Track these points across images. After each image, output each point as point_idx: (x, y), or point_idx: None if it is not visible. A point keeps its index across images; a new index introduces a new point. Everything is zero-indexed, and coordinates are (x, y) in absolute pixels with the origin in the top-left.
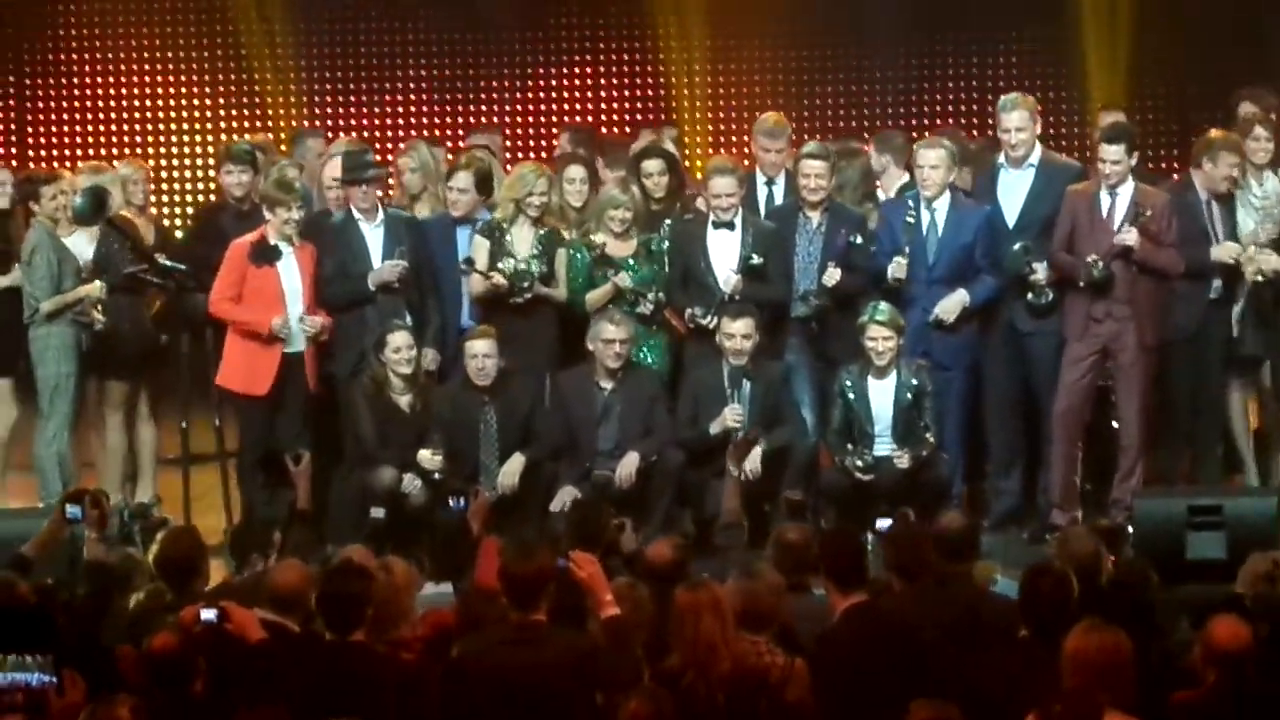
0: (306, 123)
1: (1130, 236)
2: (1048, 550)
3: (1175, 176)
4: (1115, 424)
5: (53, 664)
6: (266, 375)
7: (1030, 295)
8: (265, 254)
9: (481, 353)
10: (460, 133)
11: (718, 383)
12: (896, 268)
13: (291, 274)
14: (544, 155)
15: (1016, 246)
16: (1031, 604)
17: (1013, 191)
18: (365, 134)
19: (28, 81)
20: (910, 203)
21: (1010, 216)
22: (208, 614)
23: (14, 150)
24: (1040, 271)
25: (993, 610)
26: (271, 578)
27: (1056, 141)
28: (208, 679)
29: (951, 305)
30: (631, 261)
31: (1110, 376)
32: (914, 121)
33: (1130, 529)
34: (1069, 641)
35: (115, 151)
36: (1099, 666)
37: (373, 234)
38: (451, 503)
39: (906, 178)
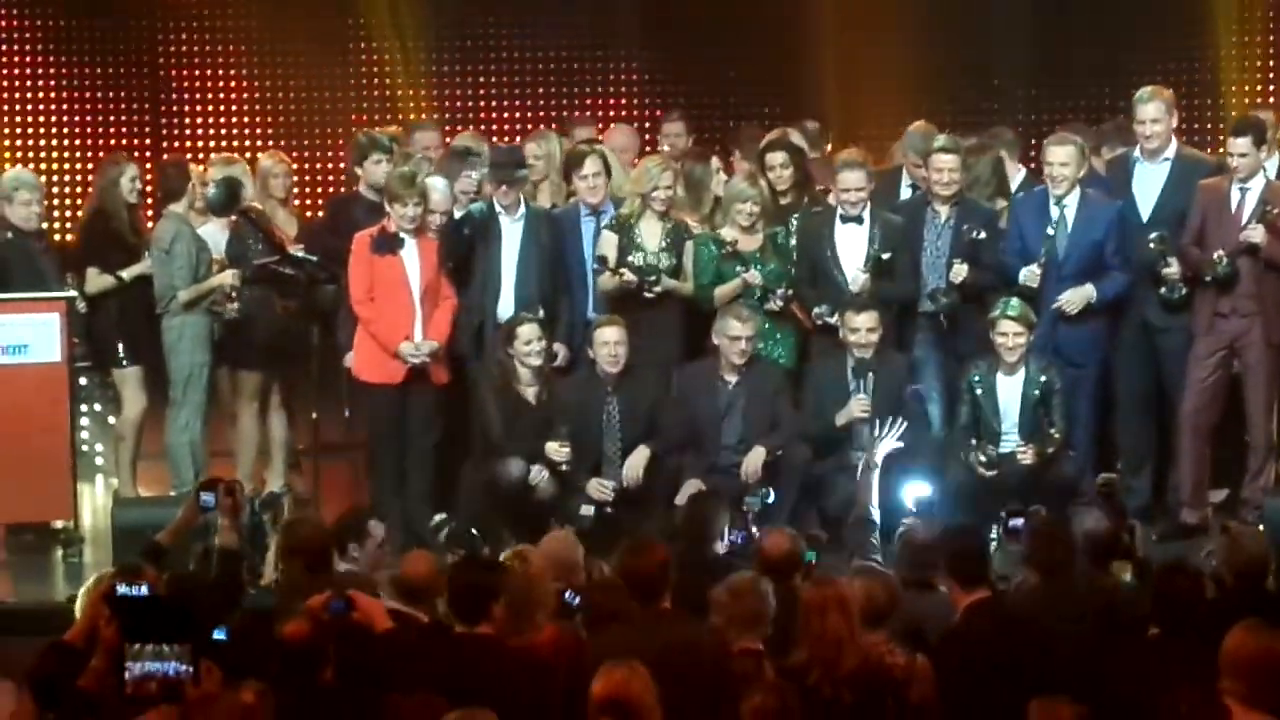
0: (435, 115)
1: (1256, 234)
2: (1213, 549)
3: None
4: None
5: (190, 654)
6: (400, 364)
7: (1163, 290)
8: (388, 244)
9: (613, 340)
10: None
11: (841, 376)
12: (1030, 275)
13: (414, 263)
14: (667, 148)
15: (1152, 236)
16: (1163, 603)
17: (1147, 185)
18: (486, 128)
19: (161, 74)
20: (1041, 203)
21: (1144, 210)
22: (335, 603)
23: (148, 143)
24: (1173, 265)
25: (1124, 608)
26: (402, 567)
27: (1190, 139)
28: (336, 667)
29: (1077, 298)
30: (759, 256)
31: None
32: (1041, 117)
33: (1261, 529)
34: (1228, 641)
35: (248, 144)
36: (1254, 666)
37: (510, 228)
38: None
39: (1023, 172)
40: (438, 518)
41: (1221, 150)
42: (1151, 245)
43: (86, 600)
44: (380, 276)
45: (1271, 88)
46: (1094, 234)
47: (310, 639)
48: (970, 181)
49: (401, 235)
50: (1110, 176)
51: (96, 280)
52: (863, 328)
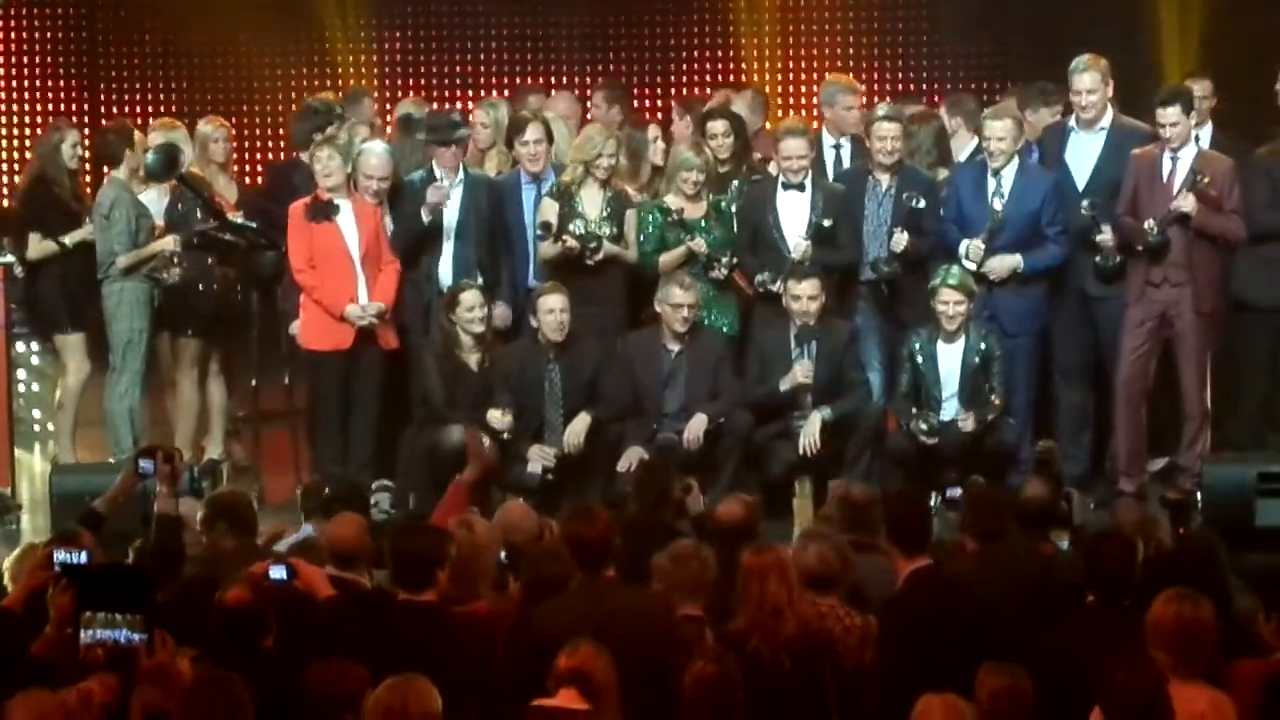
0: (377, 81)
1: (1186, 202)
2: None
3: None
4: None
5: (143, 623)
6: (349, 331)
7: (1097, 259)
8: (321, 210)
9: (557, 307)
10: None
11: (784, 343)
12: (974, 251)
13: (351, 229)
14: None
15: (1084, 202)
16: (1097, 570)
17: (1083, 154)
18: (432, 93)
19: (100, 39)
20: (979, 174)
21: (1080, 179)
22: (277, 571)
23: (87, 109)
24: (1106, 232)
25: (1060, 576)
26: (327, 532)
27: (1128, 107)
28: (278, 635)
29: (1001, 266)
30: (704, 223)
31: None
32: (984, 85)
33: (1199, 496)
34: (1152, 610)
35: (187, 110)
36: (1179, 636)
37: (453, 193)
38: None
39: (976, 142)
40: (376, 485)
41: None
42: (1084, 211)
43: (18, 567)
44: (319, 244)
45: (1212, 57)
46: (1030, 205)
47: (251, 606)
48: (912, 149)
49: (335, 201)
50: (1045, 145)
51: (39, 246)
52: (804, 295)
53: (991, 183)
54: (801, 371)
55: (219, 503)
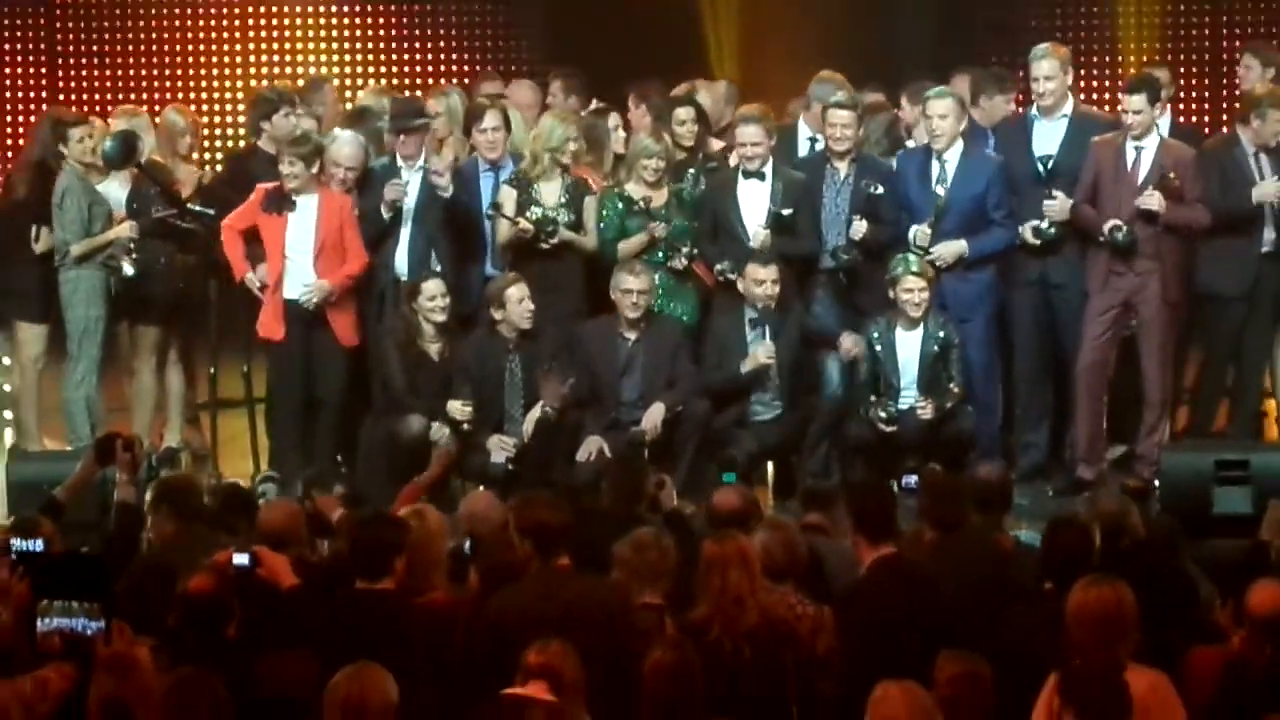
0: (335, 69)
1: (1153, 200)
2: (1078, 508)
3: (1211, 131)
4: None
5: (100, 611)
6: (297, 319)
7: (1038, 223)
8: (276, 204)
9: (525, 296)
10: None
11: (739, 328)
12: (920, 236)
13: (304, 227)
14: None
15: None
16: (1053, 557)
17: (1044, 142)
18: (387, 82)
19: (58, 27)
20: (924, 158)
21: (1043, 168)
22: (240, 558)
23: (44, 97)
24: (1057, 198)
25: (1019, 564)
26: (260, 517)
27: (1088, 95)
28: (239, 623)
29: (948, 252)
30: (665, 211)
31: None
32: (946, 76)
33: (1156, 484)
34: (1071, 597)
35: (145, 99)
36: (1102, 621)
37: (410, 180)
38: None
39: None
40: (261, 476)
41: (1119, 108)
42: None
43: None
44: (265, 234)
45: (1169, 45)
46: (974, 188)
47: (213, 594)
48: (862, 140)
49: (294, 198)
50: (1007, 132)
51: (48, 239)
52: (767, 279)
53: (935, 167)
54: (764, 353)
55: (164, 485)
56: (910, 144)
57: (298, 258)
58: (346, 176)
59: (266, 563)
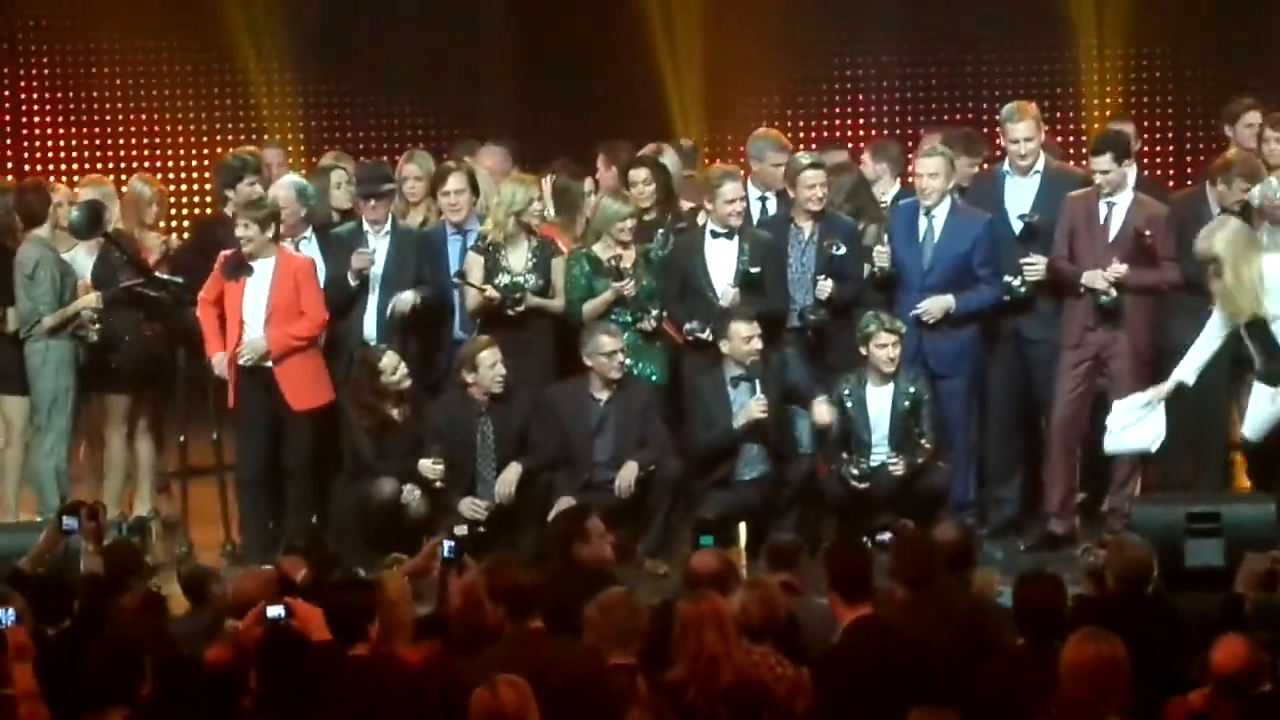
0: (299, 135)
1: (1122, 270)
2: (1098, 556)
3: (1176, 185)
4: None
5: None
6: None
7: (1011, 279)
8: (234, 269)
9: (497, 360)
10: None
11: (722, 387)
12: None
13: (258, 292)
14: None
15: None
16: (1025, 612)
17: (1017, 199)
18: (357, 147)
19: (23, 96)
20: (912, 214)
21: (1016, 225)
22: (274, 611)
23: (10, 167)
24: (1037, 262)
25: (991, 620)
26: (234, 587)
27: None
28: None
29: (935, 307)
30: (632, 271)
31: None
32: (908, 131)
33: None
34: (1066, 652)
35: (111, 168)
36: (1096, 676)
37: (377, 245)
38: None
39: (898, 187)
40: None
41: (1085, 162)
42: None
43: None
44: (226, 300)
45: (1132, 98)
46: (960, 246)
47: (231, 665)
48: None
49: (250, 264)
50: (979, 191)
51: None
52: (751, 335)
53: (923, 223)
54: (758, 407)
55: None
56: (884, 200)
57: (252, 322)
58: (289, 219)
59: (300, 615)
